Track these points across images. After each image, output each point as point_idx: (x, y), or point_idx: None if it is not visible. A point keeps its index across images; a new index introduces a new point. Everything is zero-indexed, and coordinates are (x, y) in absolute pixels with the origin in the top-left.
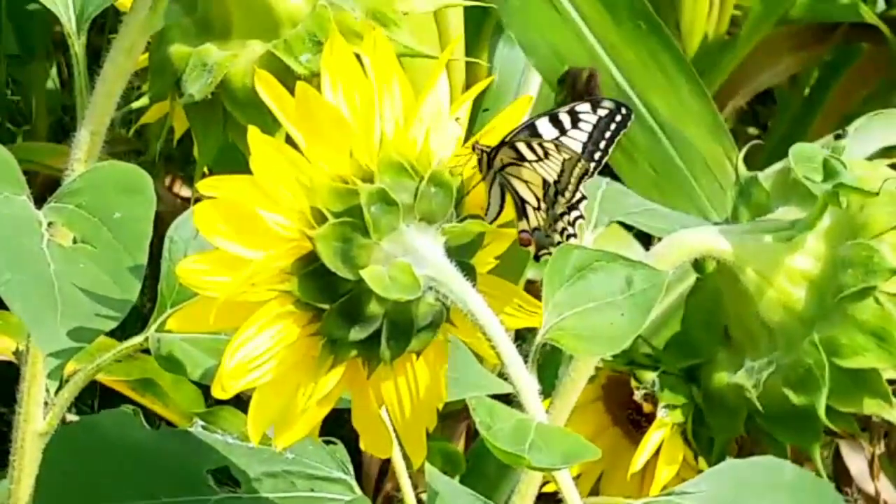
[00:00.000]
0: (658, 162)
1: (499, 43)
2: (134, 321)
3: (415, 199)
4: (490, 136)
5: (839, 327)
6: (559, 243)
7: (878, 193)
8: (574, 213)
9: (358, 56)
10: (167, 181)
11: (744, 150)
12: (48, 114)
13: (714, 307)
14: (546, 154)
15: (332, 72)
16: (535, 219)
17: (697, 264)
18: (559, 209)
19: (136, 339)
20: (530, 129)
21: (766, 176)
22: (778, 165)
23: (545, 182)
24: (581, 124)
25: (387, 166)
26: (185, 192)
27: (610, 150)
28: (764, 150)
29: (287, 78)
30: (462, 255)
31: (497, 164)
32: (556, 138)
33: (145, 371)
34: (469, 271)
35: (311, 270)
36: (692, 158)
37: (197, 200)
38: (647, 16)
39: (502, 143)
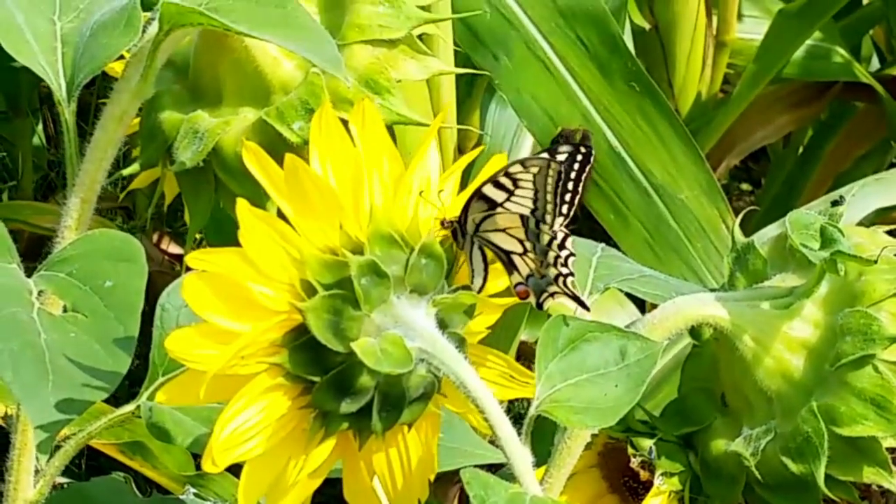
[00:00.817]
0: (652, 224)
1: (491, 102)
2: (123, 381)
3: (405, 270)
4: (452, 210)
5: (838, 395)
6: (557, 277)
7: (876, 261)
8: (564, 253)
9: (348, 123)
10: (154, 237)
11: (740, 216)
12: (34, 170)
13: (711, 374)
14: (515, 182)
15: (320, 143)
16: (525, 265)
17: (694, 331)
18: (545, 238)
19: (128, 408)
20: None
21: (763, 242)
22: (774, 231)
23: (523, 218)
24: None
25: (377, 238)
26: (173, 248)
27: (580, 188)
28: (760, 206)
29: (279, 145)
30: (453, 326)
31: (470, 227)
32: (504, 202)
33: (135, 434)
34: (460, 342)
35: (302, 343)
36: (687, 221)
37: (188, 269)
38: (640, 77)
39: (468, 203)
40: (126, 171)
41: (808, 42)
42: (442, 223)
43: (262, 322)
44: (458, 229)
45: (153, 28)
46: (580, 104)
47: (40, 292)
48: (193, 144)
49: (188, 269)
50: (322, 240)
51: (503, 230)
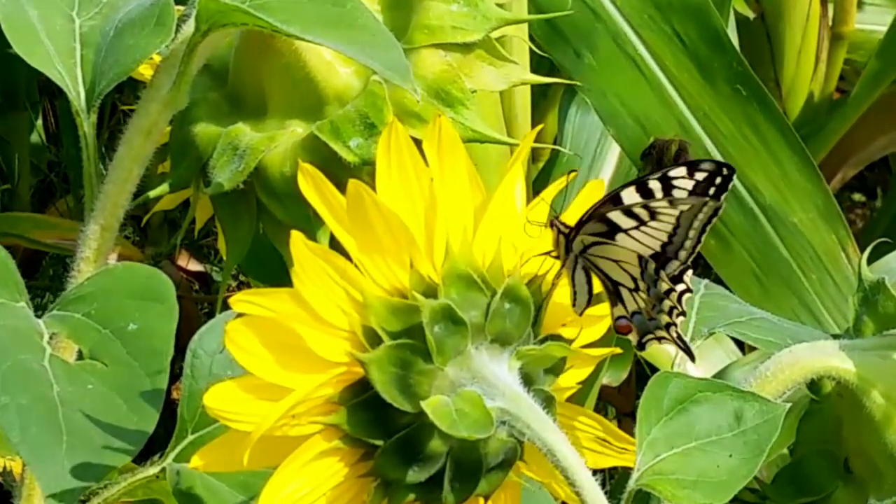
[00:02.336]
0: (758, 251)
1: (571, 105)
2: None
3: (486, 317)
4: (565, 218)
5: None
6: (668, 325)
7: None
8: (680, 287)
9: (417, 142)
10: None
11: (867, 250)
12: (32, 172)
13: (832, 436)
14: (653, 214)
15: (389, 166)
16: (633, 301)
17: (813, 384)
18: (663, 286)
19: (152, 470)
20: (615, 201)
21: (894, 281)
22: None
23: (640, 258)
24: (675, 192)
25: (453, 279)
26: (192, 265)
27: (712, 222)
28: (876, 227)
29: (333, 166)
30: (540, 382)
31: (577, 246)
32: (629, 230)
33: (152, 493)
34: (548, 401)
35: (363, 401)
36: (799, 248)
37: (224, 303)
38: (747, 79)
39: (586, 218)
40: (153, 193)
41: None
42: (552, 223)
43: (316, 375)
44: (562, 241)
45: (188, 27)
46: (676, 109)
47: (52, 336)
48: (233, 163)
49: (225, 305)
50: (389, 280)
51: (615, 261)
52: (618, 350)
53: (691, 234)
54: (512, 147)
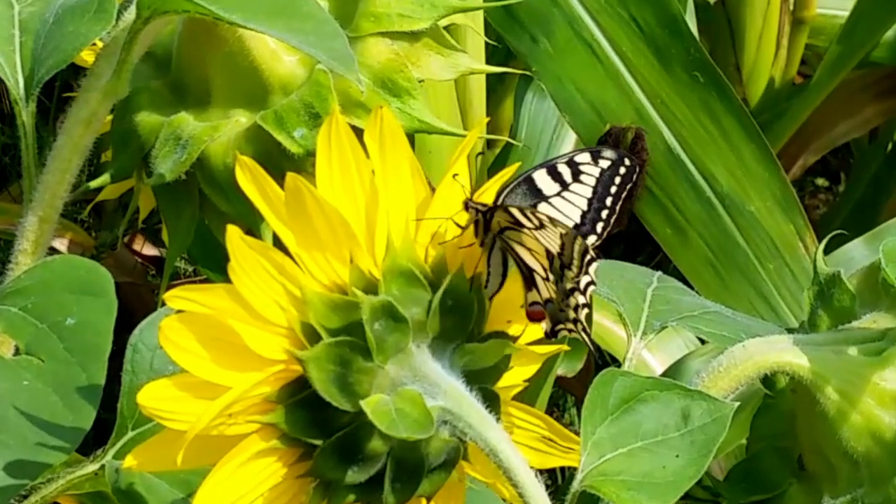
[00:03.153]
0: (715, 240)
1: (527, 92)
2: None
3: (427, 314)
4: (484, 196)
5: None
6: (575, 320)
7: None
8: (585, 279)
9: (361, 132)
10: (125, 237)
11: (822, 243)
12: None
13: (786, 432)
14: (541, 224)
15: (328, 160)
16: (546, 290)
17: (767, 379)
18: (568, 284)
19: (90, 468)
20: (527, 183)
21: (851, 274)
22: (861, 249)
23: (548, 253)
24: (583, 177)
25: (394, 275)
26: (147, 250)
27: (618, 207)
28: (838, 214)
29: (278, 157)
30: (484, 380)
31: (495, 226)
32: (559, 193)
33: (98, 485)
34: (492, 400)
35: (301, 399)
36: (757, 237)
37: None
38: (704, 65)
39: (496, 205)
40: (94, 184)
41: None
42: (466, 205)
43: (254, 373)
44: (481, 220)
45: (130, 14)
46: (633, 97)
47: None
48: (175, 153)
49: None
50: (329, 276)
51: (529, 249)
52: (566, 347)
53: (575, 256)
54: (466, 124)
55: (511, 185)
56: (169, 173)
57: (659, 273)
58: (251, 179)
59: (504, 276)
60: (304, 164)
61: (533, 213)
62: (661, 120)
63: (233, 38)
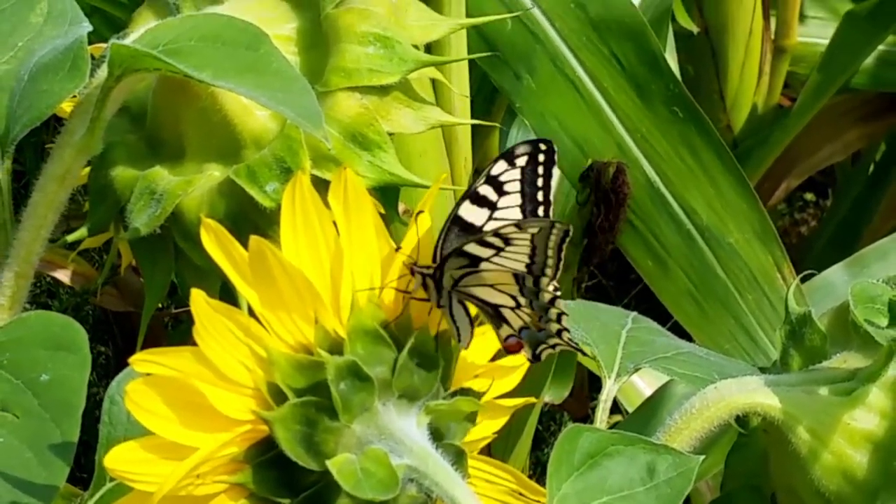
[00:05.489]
0: (695, 271)
1: (511, 129)
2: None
3: (393, 373)
4: (421, 254)
5: None
6: (559, 331)
7: None
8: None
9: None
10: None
11: (796, 280)
12: None
13: (759, 471)
14: (507, 241)
15: (293, 219)
16: (518, 318)
17: (740, 419)
18: (546, 296)
19: None
20: (457, 224)
21: (822, 315)
22: (840, 275)
23: (516, 276)
24: (507, 187)
25: (359, 334)
26: None
27: (551, 194)
28: (821, 235)
29: (250, 210)
30: (451, 436)
31: (448, 282)
32: (490, 217)
33: None
34: (458, 456)
35: (268, 459)
36: (736, 269)
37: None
38: (683, 101)
39: (445, 257)
40: (71, 238)
41: (881, 47)
42: (411, 269)
43: (221, 434)
44: (431, 284)
45: (103, 72)
46: (614, 132)
47: None
48: (150, 207)
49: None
50: (294, 336)
51: (491, 286)
52: (533, 400)
53: (550, 253)
54: (451, 158)
55: (442, 234)
56: (144, 227)
57: (634, 314)
58: (216, 241)
59: (472, 325)
60: (276, 217)
61: (493, 234)
62: (642, 154)
63: (205, 94)
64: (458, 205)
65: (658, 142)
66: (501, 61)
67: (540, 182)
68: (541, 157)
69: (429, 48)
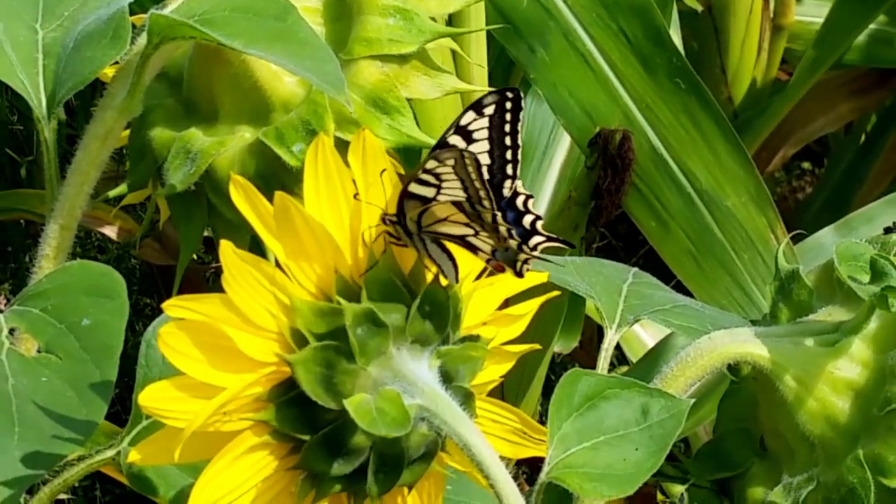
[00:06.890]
0: (695, 232)
1: (527, 96)
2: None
3: (406, 319)
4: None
5: (886, 443)
6: (519, 245)
7: None
8: (528, 218)
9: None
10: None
11: (785, 239)
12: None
13: (749, 415)
14: (438, 176)
15: (315, 176)
16: (484, 243)
17: (732, 368)
18: (487, 216)
19: (109, 453)
20: (426, 172)
21: (809, 271)
22: (831, 236)
23: (458, 205)
24: (475, 135)
25: (375, 283)
26: None
27: (519, 140)
28: (815, 200)
29: (278, 169)
30: (459, 379)
31: (412, 226)
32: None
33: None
34: (466, 398)
35: (290, 398)
36: (733, 230)
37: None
38: (685, 73)
39: (401, 199)
40: (113, 193)
41: (872, 26)
42: (383, 219)
43: (246, 375)
44: (400, 231)
45: (142, 39)
46: (621, 101)
47: (12, 330)
48: (185, 166)
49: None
50: (315, 284)
51: (444, 219)
52: (537, 346)
53: (476, 183)
54: None
55: (411, 180)
56: (180, 184)
57: (635, 269)
58: (244, 197)
59: (452, 259)
60: (302, 175)
61: (423, 171)
62: (647, 123)
63: (237, 61)
64: (428, 156)
65: (661, 111)
66: (517, 36)
67: (507, 128)
68: (508, 105)
69: (450, 22)
